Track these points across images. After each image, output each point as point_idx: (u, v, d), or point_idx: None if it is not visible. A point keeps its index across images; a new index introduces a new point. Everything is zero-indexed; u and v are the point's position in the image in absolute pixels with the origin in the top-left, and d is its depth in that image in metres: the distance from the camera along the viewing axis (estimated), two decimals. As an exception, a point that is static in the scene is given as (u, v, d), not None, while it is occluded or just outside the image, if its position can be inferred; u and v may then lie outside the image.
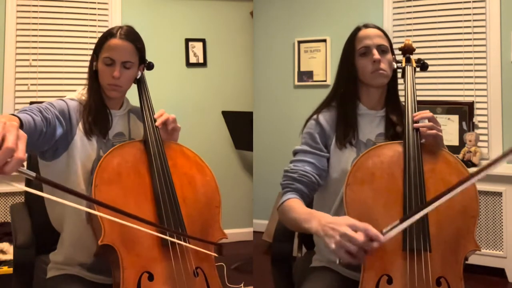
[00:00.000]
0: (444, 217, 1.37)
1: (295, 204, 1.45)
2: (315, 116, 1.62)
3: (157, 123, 1.57)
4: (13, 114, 1.21)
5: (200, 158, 1.61)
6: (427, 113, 1.48)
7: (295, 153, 1.59)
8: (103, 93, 1.60)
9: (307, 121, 1.63)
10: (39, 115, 1.35)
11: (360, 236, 1.16)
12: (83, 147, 1.52)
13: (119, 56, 1.53)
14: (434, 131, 1.45)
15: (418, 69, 1.72)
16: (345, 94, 1.60)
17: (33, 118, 1.30)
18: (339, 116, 1.59)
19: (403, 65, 1.65)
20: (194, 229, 1.48)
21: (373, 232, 1.16)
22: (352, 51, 1.58)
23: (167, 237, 1.37)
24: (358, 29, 1.61)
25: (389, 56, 1.59)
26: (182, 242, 1.39)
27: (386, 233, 1.17)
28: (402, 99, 1.63)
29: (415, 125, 1.47)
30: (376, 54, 1.54)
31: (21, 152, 0.94)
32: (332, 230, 1.20)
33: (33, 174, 0.97)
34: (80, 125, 1.53)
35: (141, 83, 1.67)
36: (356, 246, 1.15)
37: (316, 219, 1.30)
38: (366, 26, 1.61)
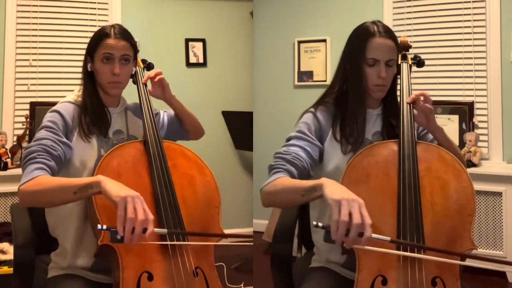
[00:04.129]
0: (440, 215, 1.37)
1: (291, 180, 1.39)
2: (312, 110, 1.61)
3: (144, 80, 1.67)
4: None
5: (200, 158, 1.61)
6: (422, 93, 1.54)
7: (289, 139, 1.55)
8: (100, 92, 1.61)
9: (304, 113, 1.62)
10: (51, 160, 1.42)
11: (360, 220, 1.13)
12: (82, 149, 1.52)
13: (117, 52, 1.55)
14: (428, 105, 1.51)
15: (414, 66, 1.71)
16: (354, 94, 1.56)
17: (50, 169, 1.40)
18: (344, 114, 1.56)
19: (399, 62, 1.63)
20: (193, 229, 1.48)
21: (369, 231, 1.15)
22: (362, 58, 1.52)
23: (167, 242, 1.38)
24: (370, 34, 1.51)
25: (394, 68, 1.56)
26: (182, 243, 1.40)
27: (373, 238, 1.16)
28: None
29: (408, 99, 1.54)
30: (383, 71, 1.51)
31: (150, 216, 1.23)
32: (349, 194, 1.17)
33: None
34: (76, 129, 1.54)
35: (140, 83, 1.68)
36: (355, 225, 1.12)
37: (331, 181, 1.24)
38: (379, 32, 1.51)
